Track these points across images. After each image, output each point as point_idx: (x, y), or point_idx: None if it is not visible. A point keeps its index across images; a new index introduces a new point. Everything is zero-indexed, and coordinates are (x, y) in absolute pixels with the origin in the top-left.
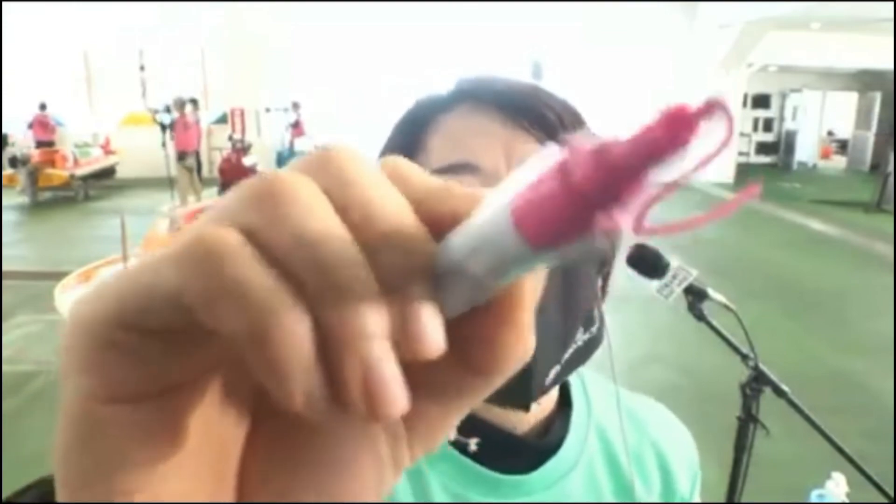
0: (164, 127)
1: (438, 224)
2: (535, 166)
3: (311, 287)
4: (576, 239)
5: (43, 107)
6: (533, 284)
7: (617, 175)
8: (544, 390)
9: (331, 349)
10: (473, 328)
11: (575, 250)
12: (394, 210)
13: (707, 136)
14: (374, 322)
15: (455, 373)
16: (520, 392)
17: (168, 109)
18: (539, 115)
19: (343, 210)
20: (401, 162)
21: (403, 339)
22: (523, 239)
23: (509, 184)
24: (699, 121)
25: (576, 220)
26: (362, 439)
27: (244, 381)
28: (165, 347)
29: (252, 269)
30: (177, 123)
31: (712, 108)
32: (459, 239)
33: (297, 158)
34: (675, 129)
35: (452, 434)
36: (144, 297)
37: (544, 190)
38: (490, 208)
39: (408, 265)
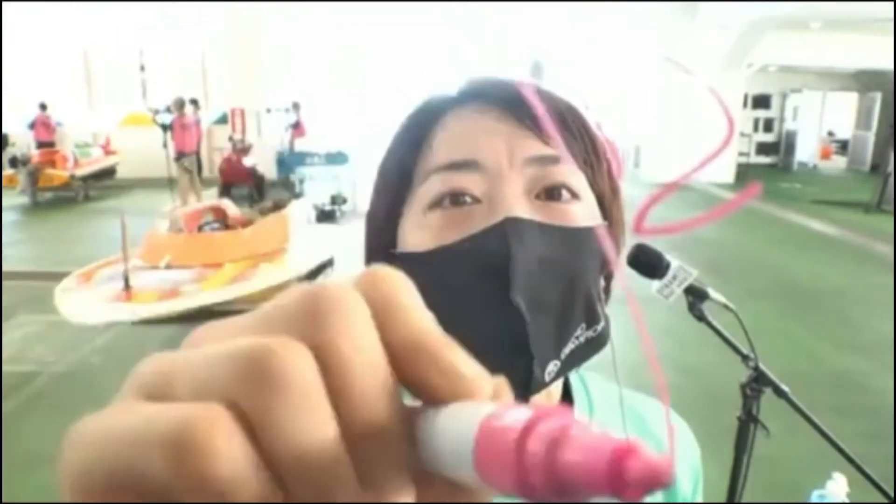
0: (164, 127)
1: (416, 383)
2: (506, 410)
3: (290, 479)
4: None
5: (43, 107)
6: None
7: (562, 489)
8: (543, 385)
9: None
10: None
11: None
12: (377, 400)
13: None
14: None
15: (443, 488)
16: (517, 386)
17: (168, 110)
18: (563, 121)
19: (329, 390)
20: (394, 296)
21: None
22: (481, 479)
23: (480, 409)
24: (642, 490)
25: (523, 490)
26: None
27: None
28: None
29: (234, 466)
30: (175, 124)
31: (654, 479)
32: (430, 445)
33: (288, 293)
34: (619, 491)
35: None
36: (114, 475)
37: (502, 448)
38: (458, 433)
39: (385, 461)
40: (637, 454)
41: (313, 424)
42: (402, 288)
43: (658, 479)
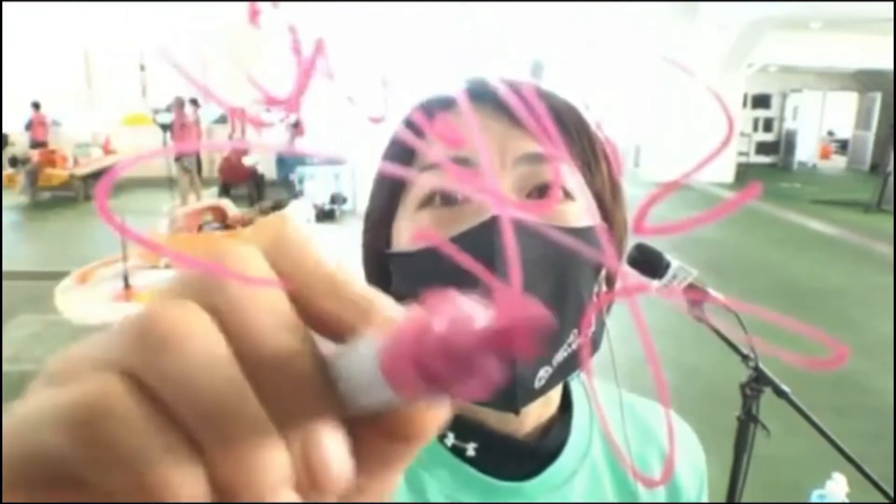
0: (164, 127)
1: (323, 322)
2: (409, 319)
3: (202, 436)
4: (430, 395)
5: (36, 106)
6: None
7: (457, 366)
8: (535, 393)
9: (229, 498)
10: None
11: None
12: (278, 335)
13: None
14: (268, 471)
15: (378, 443)
16: (506, 394)
17: (169, 109)
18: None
19: (228, 337)
20: (291, 242)
21: (306, 479)
22: (389, 388)
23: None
24: (527, 342)
25: (425, 384)
26: None
27: None
28: (74, 490)
29: (136, 433)
30: (174, 124)
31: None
32: (339, 370)
33: (179, 273)
34: (508, 345)
35: (451, 439)
36: (29, 461)
37: (402, 351)
38: (363, 349)
39: (297, 395)
40: (517, 306)
41: (210, 371)
42: (289, 226)
43: (539, 321)
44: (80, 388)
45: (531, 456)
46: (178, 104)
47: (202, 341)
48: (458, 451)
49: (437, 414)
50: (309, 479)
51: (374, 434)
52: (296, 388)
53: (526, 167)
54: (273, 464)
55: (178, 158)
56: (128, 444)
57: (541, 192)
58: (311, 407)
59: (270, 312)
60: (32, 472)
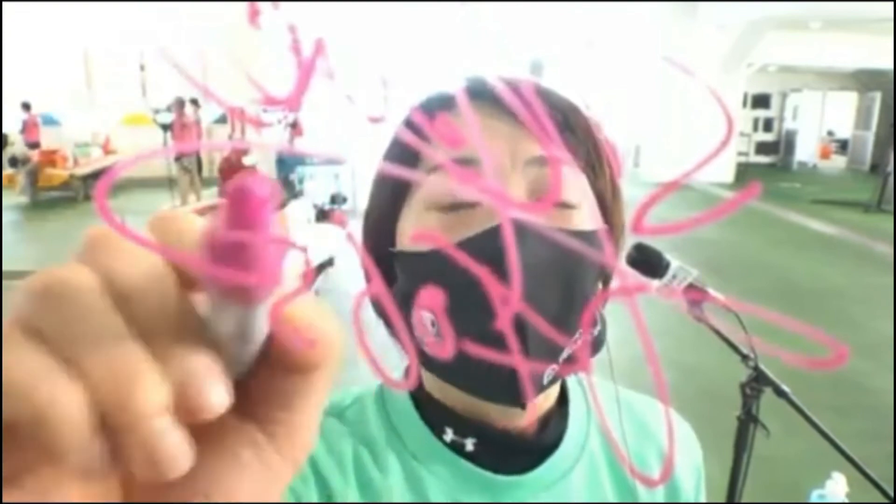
0: (164, 127)
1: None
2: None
3: (83, 366)
4: (227, 297)
5: (27, 106)
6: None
7: (223, 259)
8: (542, 388)
9: (108, 422)
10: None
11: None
12: (143, 272)
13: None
14: (147, 400)
15: (277, 379)
16: (512, 389)
17: (169, 109)
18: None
19: (110, 289)
20: (172, 214)
21: (183, 408)
22: (218, 298)
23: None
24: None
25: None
26: (226, 459)
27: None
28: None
29: (20, 359)
30: (175, 123)
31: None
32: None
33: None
34: (234, 215)
35: (450, 435)
36: None
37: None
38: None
39: (163, 317)
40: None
41: (81, 302)
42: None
43: (260, 185)
44: None
45: (530, 449)
46: (179, 104)
47: (76, 279)
48: (456, 447)
49: (313, 348)
50: (184, 403)
51: (270, 373)
52: (160, 313)
53: (537, 169)
54: (149, 396)
55: (178, 158)
56: (15, 369)
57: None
58: (179, 332)
59: (136, 258)
60: None
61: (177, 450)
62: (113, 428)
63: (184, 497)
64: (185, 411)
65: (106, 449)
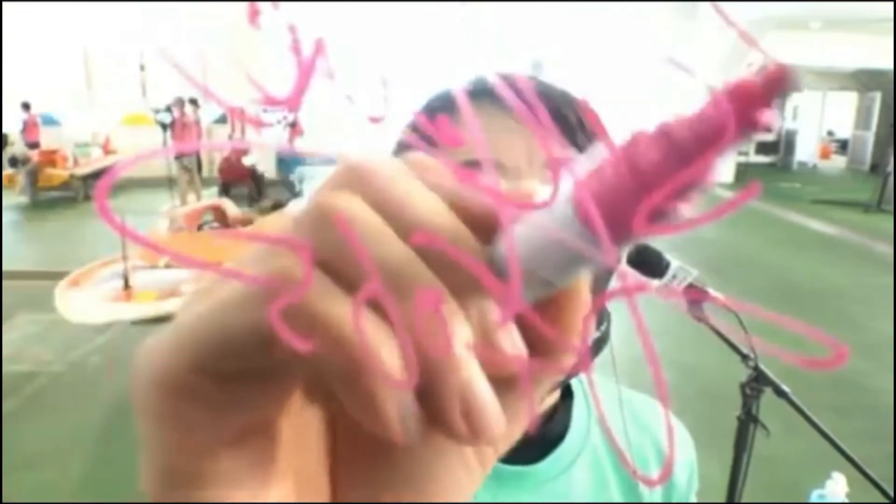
0: (164, 126)
1: (478, 224)
2: (587, 160)
3: (393, 313)
4: (647, 230)
5: (27, 106)
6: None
7: (684, 159)
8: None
9: (423, 375)
10: (550, 313)
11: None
12: (444, 223)
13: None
14: (463, 345)
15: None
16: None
17: (168, 109)
18: (561, 116)
19: (398, 229)
20: (427, 161)
21: (486, 361)
22: (591, 236)
23: (560, 181)
24: (769, 97)
25: (647, 208)
26: (451, 451)
27: (323, 397)
28: (245, 389)
29: (336, 303)
30: (175, 123)
31: (780, 78)
32: (520, 241)
33: (328, 175)
34: (742, 108)
35: None
36: (222, 341)
37: (608, 181)
38: (548, 207)
39: (471, 277)
40: (746, 80)
41: (380, 244)
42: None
43: (785, 72)
44: (269, 266)
45: (537, 441)
46: (179, 104)
47: (379, 223)
48: None
49: (583, 323)
50: (489, 366)
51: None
52: (459, 260)
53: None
54: (464, 343)
55: (178, 157)
56: (333, 317)
57: None
58: (477, 281)
59: (427, 198)
60: (224, 352)
61: (492, 406)
62: (428, 382)
63: (397, 476)
64: (488, 363)
65: (418, 408)
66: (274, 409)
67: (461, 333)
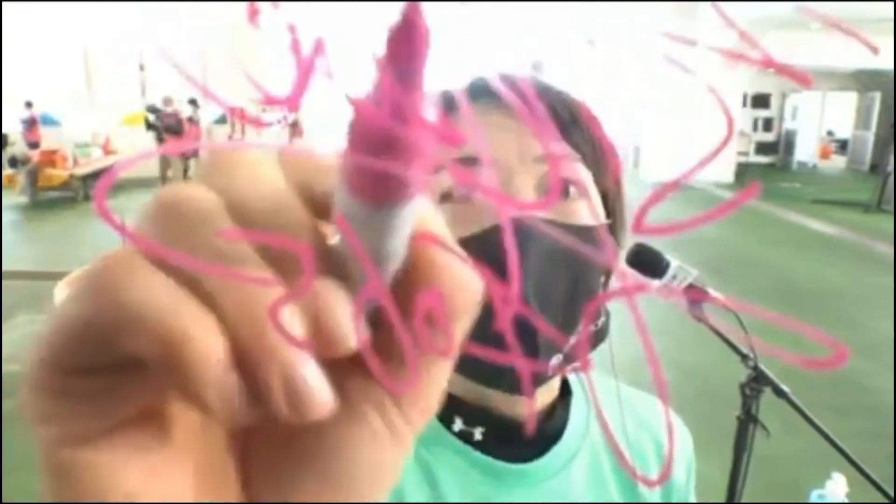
0: (149, 126)
1: (320, 205)
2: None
3: (216, 297)
4: (390, 187)
5: (30, 105)
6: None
7: (383, 105)
8: (547, 378)
9: (245, 356)
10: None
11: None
12: (279, 208)
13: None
14: (285, 328)
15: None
16: (513, 379)
17: (154, 110)
18: (554, 113)
19: (232, 212)
20: (298, 153)
21: (318, 341)
22: (358, 202)
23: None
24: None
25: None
26: (352, 419)
27: None
28: (107, 381)
29: (150, 288)
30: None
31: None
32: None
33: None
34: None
35: (458, 425)
36: (67, 339)
37: (347, 150)
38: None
39: (299, 263)
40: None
41: (208, 223)
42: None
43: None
44: (100, 261)
45: (536, 438)
46: (168, 103)
47: (210, 207)
48: (465, 436)
49: (471, 287)
50: (320, 334)
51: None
52: (285, 238)
53: (545, 166)
54: (283, 311)
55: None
56: (142, 303)
57: (563, 189)
58: (303, 260)
59: (259, 180)
60: (72, 349)
61: (319, 382)
62: (249, 362)
63: (303, 461)
64: (322, 344)
65: (243, 388)
66: (150, 398)
67: (284, 316)
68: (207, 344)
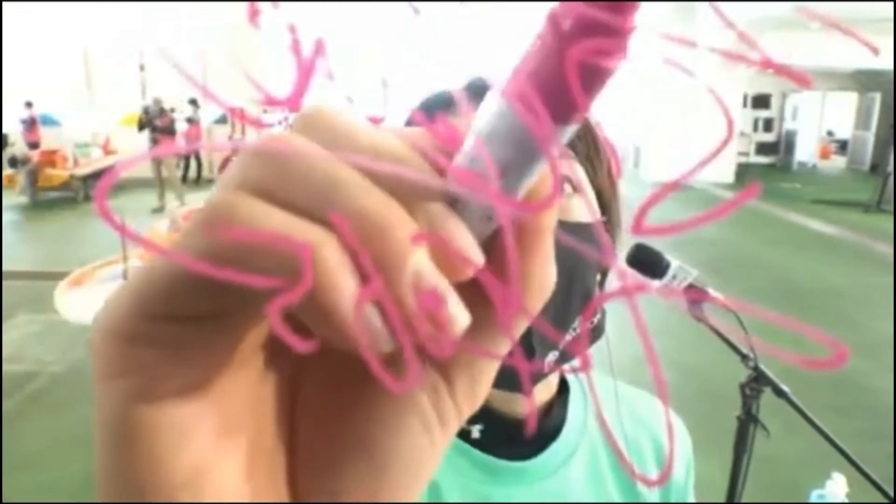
0: (142, 127)
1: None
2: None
3: (342, 226)
4: (584, 95)
5: (30, 104)
6: (550, 214)
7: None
8: (543, 374)
9: (379, 281)
10: (496, 264)
11: (578, 117)
12: (395, 149)
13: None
14: (408, 233)
15: (484, 312)
16: (510, 376)
17: (147, 111)
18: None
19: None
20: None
21: (442, 260)
22: (526, 124)
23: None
24: None
25: (574, 66)
26: (404, 403)
27: (283, 359)
28: (199, 332)
29: (272, 214)
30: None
31: None
32: (464, 156)
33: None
34: None
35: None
36: (166, 282)
37: (533, 62)
38: (481, 115)
39: (424, 197)
40: None
41: (335, 169)
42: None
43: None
44: (209, 202)
45: (534, 435)
46: (157, 104)
47: (322, 151)
48: (463, 434)
49: (546, 278)
50: (444, 267)
51: (481, 303)
52: (423, 193)
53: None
54: (406, 222)
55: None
56: (270, 224)
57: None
58: (429, 186)
59: (366, 129)
60: (170, 292)
61: (451, 296)
62: (384, 287)
63: (353, 444)
64: (446, 269)
65: (377, 312)
66: (230, 355)
67: (409, 226)
68: (339, 260)
